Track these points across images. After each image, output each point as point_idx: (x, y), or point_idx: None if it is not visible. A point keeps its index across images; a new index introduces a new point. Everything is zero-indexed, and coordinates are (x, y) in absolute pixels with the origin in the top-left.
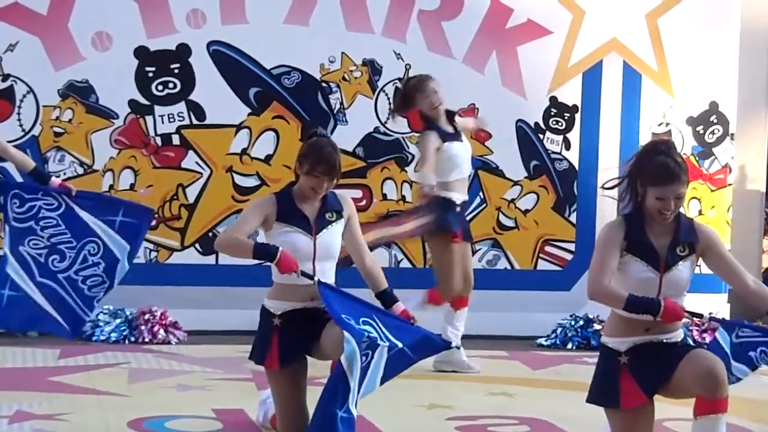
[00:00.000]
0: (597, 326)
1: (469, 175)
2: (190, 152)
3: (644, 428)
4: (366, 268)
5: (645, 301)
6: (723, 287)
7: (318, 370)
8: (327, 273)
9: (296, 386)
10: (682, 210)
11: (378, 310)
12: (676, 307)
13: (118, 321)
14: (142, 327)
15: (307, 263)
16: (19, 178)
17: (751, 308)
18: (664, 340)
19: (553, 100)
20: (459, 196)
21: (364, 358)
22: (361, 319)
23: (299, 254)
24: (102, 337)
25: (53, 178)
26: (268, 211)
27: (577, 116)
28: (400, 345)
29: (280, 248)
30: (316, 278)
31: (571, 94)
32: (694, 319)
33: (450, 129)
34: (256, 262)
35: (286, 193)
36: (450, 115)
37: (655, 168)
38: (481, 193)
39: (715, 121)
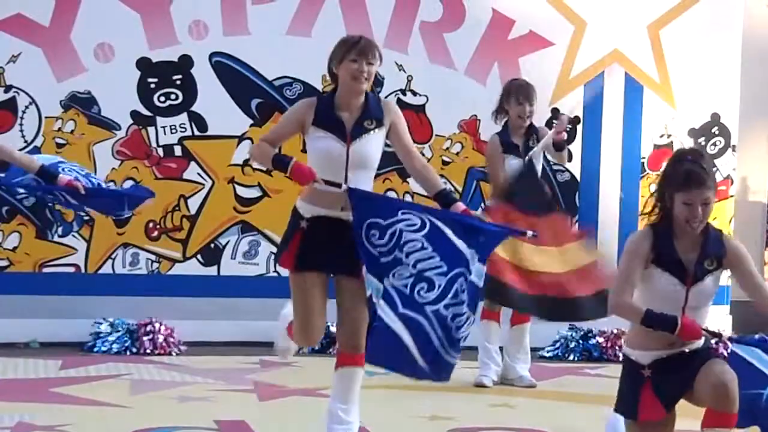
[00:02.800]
0: (599, 338)
1: None
2: (192, 163)
3: None
4: (416, 170)
5: (662, 318)
6: (725, 299)
7: (326, 381)
8: (361, 182)
9: (312, 295)
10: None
11: (428, 209)
12: (694, 326)
13: (119, 332)
14: (144, 338)
15: (340, 171)
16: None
17: (752, 320)
18: (687, 350)
19: (555, 111)
20: None
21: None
22: (401, 212)
23: (332, 161)
24: (104, 348)
25: (60, 176)
26: (305, 113)
27: (579, 128)
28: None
29: (294, 158)
30: (344, 186)
31: (572, 105)
32: (713, 339)
33: (517, 141)
34: (257, 273)
35: (328, 97)
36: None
37: (682, 174)
38: (483, 205)
39: (716, 132)
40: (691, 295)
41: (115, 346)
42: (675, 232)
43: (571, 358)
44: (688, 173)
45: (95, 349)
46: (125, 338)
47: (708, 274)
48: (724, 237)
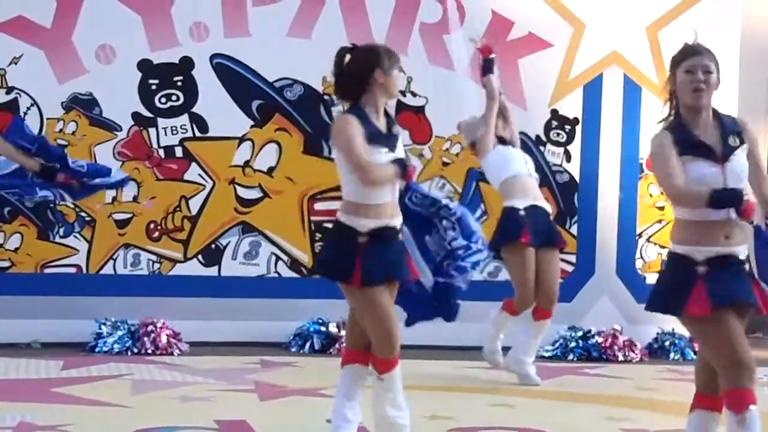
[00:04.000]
0: (598, 338)
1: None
2: (193, 164)
3: (731, 329)
4: None
5: (730, 192)
6: None
7: (327, 381)
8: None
9: (385, 298)
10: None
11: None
12: (751, 202)
13: (121, 332)
14: (145, 338)
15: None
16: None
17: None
18: (740, 256)
19: (554, 112)
20: (520, 201)
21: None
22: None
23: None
24: (105, 349)
25: (58, 174)
26: (362, 130)
27: (578, 129)
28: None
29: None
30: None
31: (571, 106)
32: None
33: (506, 135)
34: (258, 273)
35: (360, 112)
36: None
37: (683, 49)
38: (482, 205)
39: None
40: (728, 174)
41: (116, 346)
42: (689, 123)
43: (570, 357)
44: (688, 47)
45: (96, 350)
46: (126, 338)
47: (734, 151)
48: (738, 118)
